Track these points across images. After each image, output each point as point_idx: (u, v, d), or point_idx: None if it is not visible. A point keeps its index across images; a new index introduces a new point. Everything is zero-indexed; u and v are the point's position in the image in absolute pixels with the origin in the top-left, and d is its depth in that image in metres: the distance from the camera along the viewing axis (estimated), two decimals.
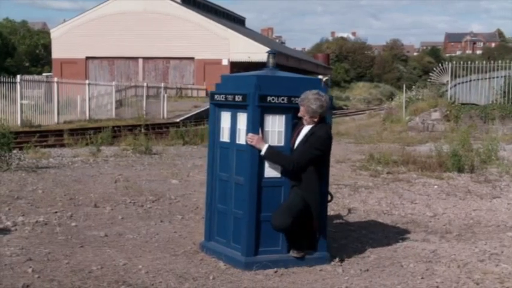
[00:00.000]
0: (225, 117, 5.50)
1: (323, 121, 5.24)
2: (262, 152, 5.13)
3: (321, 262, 5.39)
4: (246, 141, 5.16)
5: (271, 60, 5.54)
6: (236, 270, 5.13)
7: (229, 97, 5.38)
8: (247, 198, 5.18)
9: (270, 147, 5.14)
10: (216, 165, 5.63)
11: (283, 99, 5.20)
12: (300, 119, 5.26)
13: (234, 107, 5.36)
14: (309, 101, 5.09)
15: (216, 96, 5.58)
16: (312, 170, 5.16)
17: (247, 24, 74.28)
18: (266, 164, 5.24)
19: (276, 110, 5.21)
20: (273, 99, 5.17)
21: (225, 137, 5.52)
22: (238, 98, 5.26)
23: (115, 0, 52.78)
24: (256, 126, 5.13)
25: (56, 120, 26.19)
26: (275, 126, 5.24)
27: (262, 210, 5.23)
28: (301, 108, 5.17)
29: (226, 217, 5.50)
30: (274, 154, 5.17)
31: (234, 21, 64.71)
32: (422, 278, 5.13)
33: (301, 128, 5.27)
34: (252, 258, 5.18)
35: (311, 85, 5.45)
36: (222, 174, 5.55)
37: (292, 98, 5.23)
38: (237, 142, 5.33)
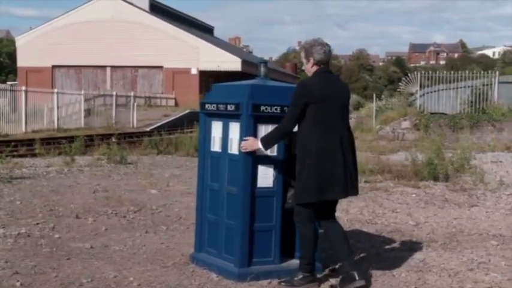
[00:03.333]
0: (216, 127, 5.45)
1: None
2: (262, 147, 4.99)
3: None
4: (240, 151, 5.11)
5: (262, 69, 5.51)
6: (229, 282, 5.07)
7: (221, 106, 5.33)
8: (240, 208, 5.12)
9: (262, 138, 5.02)
10: (206, 175, 5.57)
11: (276, 109, 5.17)
12: None
13: (226, 117, 5.31)
14: None
15: (206, 106, 5.52)
16: (301, 132, 4.93)
17: (215, 33, 74.28)
18: (259, 174, 5.19)
19: (269, 119, 5.16)
20: (266, 109, 5.14)
21: (216, 146, 5.46)
22: (230, 108, 5.21)
23: (82, 9, 52.33)
24: (250, 135, 5.09)
25: (23, 129, 25.76)
26: None
27: (255, 220, 5.18)
28: None
29: (217, 227, 5.43)
30: (270, 137, 5.01)
31: (203, 30, 64.65)
32: (415, 287, 5.14)
33: None
34: (246, 270, 5.12)
35: None
36: (213, 184, 5.49)
37: (285, 108, 5.19)
38: (229, 152, 5.28)
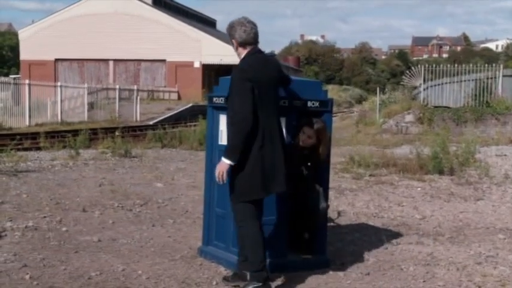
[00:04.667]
0: (224, 120, 5.41)
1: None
2: (230, 162, 4.52)
3: (321, 266, 5.36)
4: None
5: None
6: None
7: None
8: None
9: (224, 153, 4.61)
10: (214, 169, 5.54)
11: (284, 102, 5.15)
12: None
13: None
14: None
15: (214, 99, 5.51)
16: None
17: (218, 26, 74.15)
18: None
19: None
20: None
21: (224, 140, 5.44)
22: None
23: (85, 2, 52.23)
24: None
25: (27, 122, 25.79)
26: None
27: (263, 214, 5.16)
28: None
29: (225, 221, 5.42)
30: (232, 146, 4.53)
31: (205, 23, 64.56)
32: (424, 281, 5.14)
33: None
34: None
35: (311, 88, 5.45)
36: None
37: (293, 101, 5.20)
38: None
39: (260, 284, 4.59)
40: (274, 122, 4.64)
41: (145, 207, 7.91)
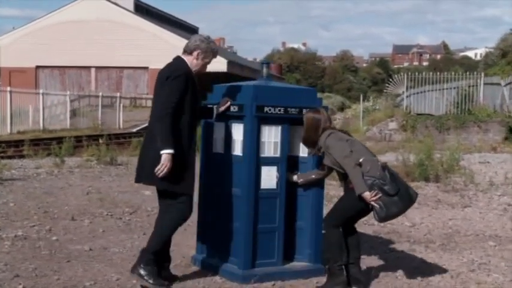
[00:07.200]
0: (219, 128, 5.41)
1: None
2: (169, 151, 4.72)
3: (316, 274, 5.34)
4: (243, 152, 5.04)
5: (265, 70, 5.49)
6: (233, 284, 5.04)
7: None
8: (244, 210, 5.10)
9: (160, 144, 4.78)
10: (208, 177, 5.53)
11: (279, 110, 5.16)
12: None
13: (228, 118, 5.28)
14: None
15: (208, 107, 5.49)
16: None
17: (200, 34, 73.98)
18: (262, 176, 5.17)
19: (272, 120, 5.16)
20: (269, 110, 5.12)
21: (218, 148, 5.43)
22: (233, 109, 5.18)
23: (67, 9, 51.87)
24: (253, 136, 5.06)
25: (8, 130, 25.48)
26: (271, 137, 5.18)
27: (258, 222, 5.16)
28: None
29: None
30: (163, 136, 4.77)
31: (188, 30, 64.37)
32: None
33: None
34: (249, 271, 5.09)
35: (307, 95, 5.45)
36: (215, 186, 5.45)
37: (289, 109, 5.20)
38: (233, 153, 5.24)
39: None
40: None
41: (135, 215, 7.84)
